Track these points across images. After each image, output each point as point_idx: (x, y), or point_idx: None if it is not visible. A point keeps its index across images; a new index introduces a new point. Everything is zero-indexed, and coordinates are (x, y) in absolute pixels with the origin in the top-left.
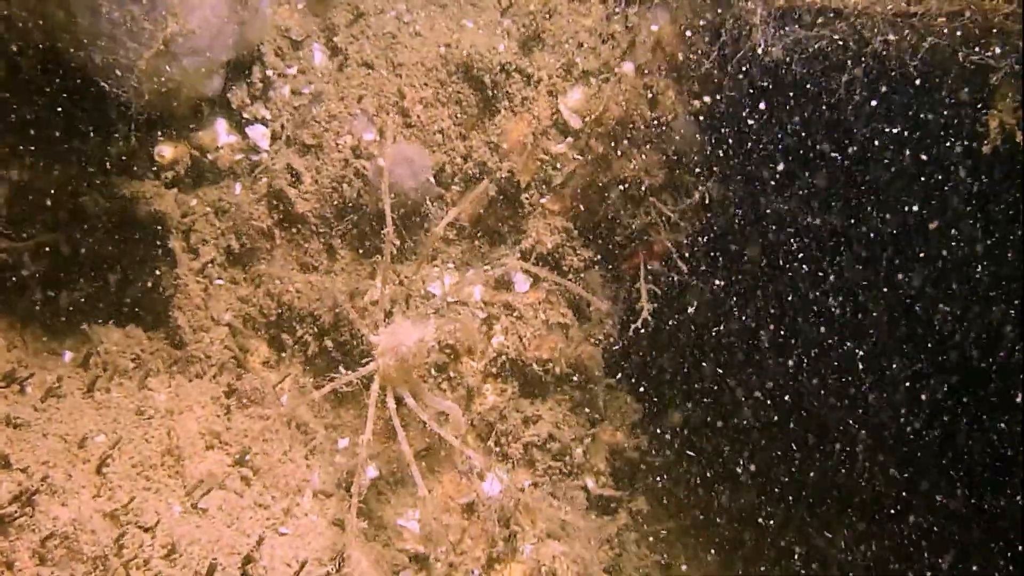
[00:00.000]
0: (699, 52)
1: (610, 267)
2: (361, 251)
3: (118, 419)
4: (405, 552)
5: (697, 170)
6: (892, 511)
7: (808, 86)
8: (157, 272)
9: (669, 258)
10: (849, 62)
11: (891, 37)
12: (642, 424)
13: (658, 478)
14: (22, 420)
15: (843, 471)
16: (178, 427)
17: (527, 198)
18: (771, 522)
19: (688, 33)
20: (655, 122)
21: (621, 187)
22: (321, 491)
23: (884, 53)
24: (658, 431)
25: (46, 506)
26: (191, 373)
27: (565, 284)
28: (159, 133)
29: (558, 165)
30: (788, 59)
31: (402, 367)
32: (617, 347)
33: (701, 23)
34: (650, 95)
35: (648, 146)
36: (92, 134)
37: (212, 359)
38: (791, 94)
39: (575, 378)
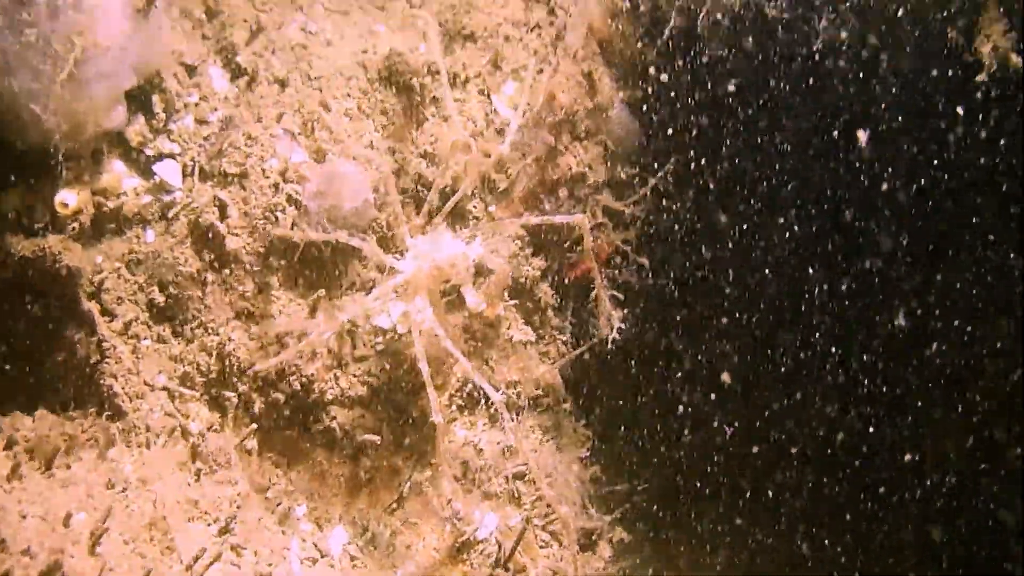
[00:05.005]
0: (642, 29)
1: (557, 278)
2: (299, 288)
3: (92, 495)
4: None
5: (638, 162)
6: None
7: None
8: (73, 339)
9: (621, 259)
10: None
11: None
12: (596, 453)
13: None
14: None
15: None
16: (159, 498)
17: (473, 208)
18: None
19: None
20: (594, 112)
21: (566, 186)
22: (306, 558)
23: None
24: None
25: None
26: (134, 444)
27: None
28: (60, 178)
29: (502, 168)
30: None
31: (438, 276)
32: (573, 366)
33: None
34: (588, 84)
35: (589, 139)
36: None
37: (153, 429)
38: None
39: (544, 401)
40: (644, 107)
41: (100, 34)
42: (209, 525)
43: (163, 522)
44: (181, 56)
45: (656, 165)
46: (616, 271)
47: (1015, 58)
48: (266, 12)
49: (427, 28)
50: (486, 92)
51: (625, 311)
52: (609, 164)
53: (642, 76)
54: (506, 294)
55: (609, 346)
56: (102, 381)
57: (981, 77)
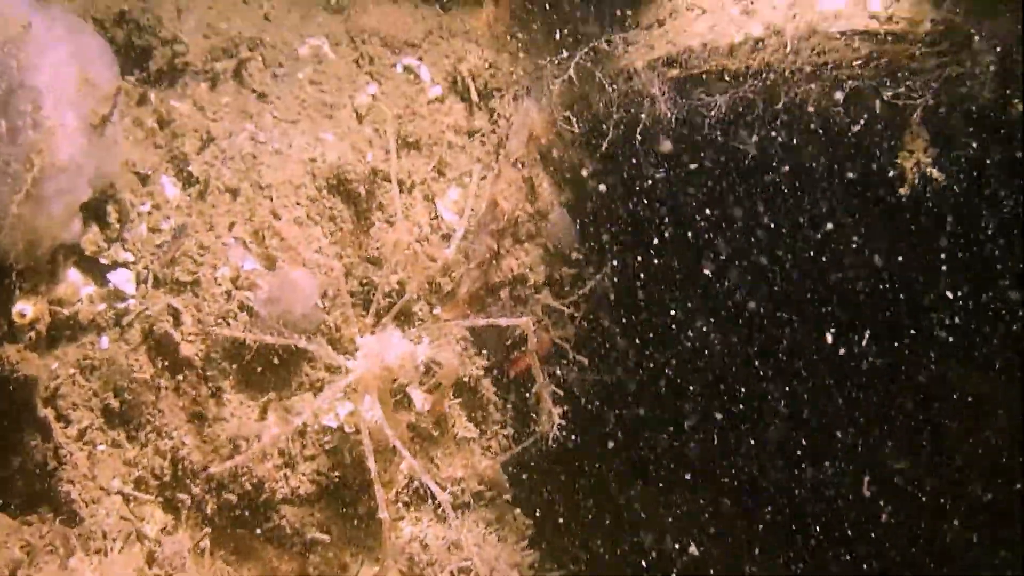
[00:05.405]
0: (582, 138)
1: (499, 376)
2: (250, 390)
3: None
4: None
5: (576, 262)
6: None
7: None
8: (30, 445)
9: (559, 356)
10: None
11: (804, 88)
12: (535, 541)
13: None
14: None
15: None
16: None
17: (418, 311)
18: None
19: (567, 120)
20: (535, 216)
21: (508, 287)
22: None
23: (798, 105)
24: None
25: None
26: (91, 550)
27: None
28: (16, 290)
29: (447, 271)
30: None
31: (387, 376)
32: (514, 460)
33: (579, 108)
34: (529, 189)
35: (529, 242)
36: None
37: (109, 535)
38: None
39: (487, 494)
40: (583, 211)
41: (58, 152)
42: None
43: None
44: (133, 166)
45: (594, 266)
46: (556, 368)
47: (935, 172)
48: (217, 121)
49: (386, 126)
50: (431, 198)
51: (564, 408)
52: (548, 265)
53: (581, 183)
54: (451, 392)
55: (550, 442)
56: (59, 487)
57: (903, 191)
